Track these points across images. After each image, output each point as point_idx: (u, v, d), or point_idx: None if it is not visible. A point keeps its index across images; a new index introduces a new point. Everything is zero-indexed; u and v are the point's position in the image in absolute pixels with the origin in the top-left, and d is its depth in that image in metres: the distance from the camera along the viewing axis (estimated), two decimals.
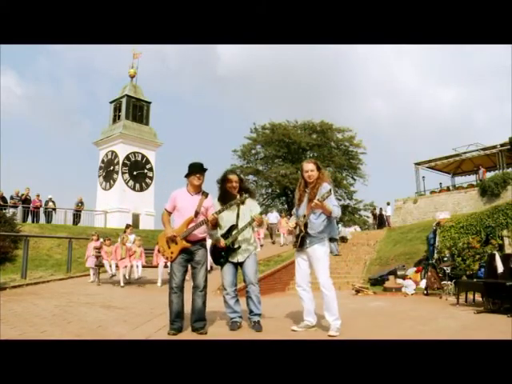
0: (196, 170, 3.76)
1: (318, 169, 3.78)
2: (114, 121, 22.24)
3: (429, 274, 8.62)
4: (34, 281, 8.44)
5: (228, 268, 3.97)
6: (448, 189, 20.88)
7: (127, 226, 10.89)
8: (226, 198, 3.96)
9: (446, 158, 21.35)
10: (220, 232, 3.97)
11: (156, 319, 4.41)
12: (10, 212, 14.45)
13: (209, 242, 4.13)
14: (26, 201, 16.19)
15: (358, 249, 13.58)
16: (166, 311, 3.82)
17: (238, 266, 4.00)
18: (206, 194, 3.83)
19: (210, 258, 4.15)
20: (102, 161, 21.83)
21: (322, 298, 3.69)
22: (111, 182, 21.07)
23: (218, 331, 3.84)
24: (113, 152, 21.33)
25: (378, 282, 9.49)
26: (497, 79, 67.41)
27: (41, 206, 16.67)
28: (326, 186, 3.64)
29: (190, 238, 3.72)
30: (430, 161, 21.88)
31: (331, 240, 3.78)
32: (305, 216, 3.70)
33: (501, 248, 8.59)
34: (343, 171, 30.86)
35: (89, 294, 7.13)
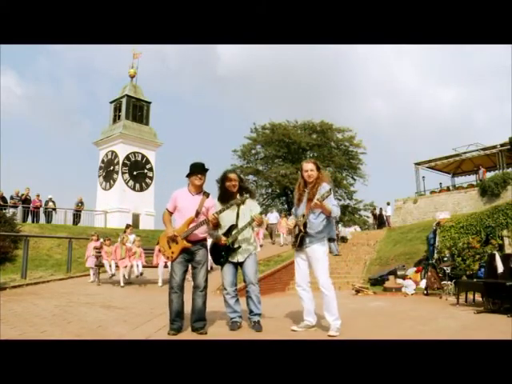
0: (197, 170, 3.76)
1: (318, 169, 3.79)
2: (114, 121, 22.24)
3: (429, 273, 8.62)
4: (34, 281, 8.44)
5: (228, 268, 3.97)
6: (448, 189, 20.88)
7: (127, 226, 10.89)
8: (225, 197, 3.96)
9: (446, 157, 21.35)
10: (220, 232, 3.97)
11: (156, 319, 4.41)
12: (10, 212, 14.45)
13: (209, 242, 4.13)
14: (25, 201, 16.18)
15: (358, 249, 13.59)
16: (166, 311, 3.82)
17: (238, 265, 4.01)
18: (207, 194, 3.83)
19: (210, 258, 4.15)
20: (102, 161, 21.83)
21: (321, 298, 3.69)
22: (111, 182, 21.07)
23: (217, 331, 3.84)
24: (113, 152, 21.33)
25: (377, 281, 9.49)
26: (497, 79, 67.47)
27: (41, 205, 16.67)
28: (325, 186, 3.65)
29: (191, 237, 3.72)
30: (430, 161, 21.88)
31: (329, 240, 3.79)
32: (304, 216, 3.70)
33: (501, 248, 8.59)
34: (343, 171, 30.86)
35: (89, 293, 7.13)
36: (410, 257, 10.98)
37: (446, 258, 9.06)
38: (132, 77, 22.60)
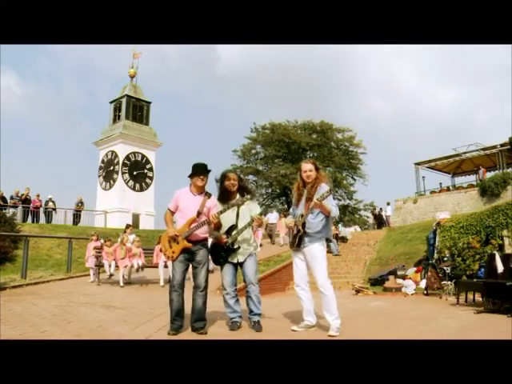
0: (200, 171, 3.76)
1: (317, 169, 3.80)
2: (114, 121, 22.24)
3: (429, 273, 8.62)
4: (34, 281, 8.44)
5: (228, 268, 3.97)
6: (448, 189, 20.88)
7: (127, 226, 10.89)
8: (224, 197, 3.96)
9: (446, 157, 21.35)
10: (220, 232, 3.97)
11: (156, 319, 4.41)
12: (10, 212, 14.45)
13: (209, 242, 4.13)
14: (26, 201, 16.18)
15: (358, 249, 13.59)
16: (167, 310, 3.82)
17: (238, 266, 4.01)
18: (208, 195, 3.84)
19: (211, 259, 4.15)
20: (102, 161, 21.83)
21: (320, 298, 3.69)
22: (111, 181, 21.07)
23: (217, 331, 3.84)
24: (113, 152, 21.33)
25: (378, 281, 9.49)
26: (497, 79, 67.50)
27: (41, 205, 16.67)
28: (324, 186, 3.66)
29: (192, 237, 3.72)
30: (430, 161, 21.87)
31: (326, 241, 3.81)
32: (302, 215, 3.71)
33: (501, 248, 8.59)
34: (343, 171, 30.86)
35: (89, 293, 7.13)
36: (410, 257, 10.98)
37: (446, 258, 9.06)
38: (132, 77, 22.60)
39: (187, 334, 3.65)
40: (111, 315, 4.72)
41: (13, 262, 10.49)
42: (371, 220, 23.33)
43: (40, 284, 8.31)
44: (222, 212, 3.77)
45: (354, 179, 31.14)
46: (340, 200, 30.17)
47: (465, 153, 20.73)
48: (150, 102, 23.08)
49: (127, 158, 21.05)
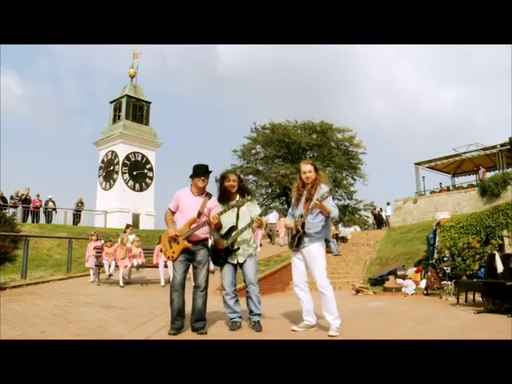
0: (201, 172, 3.76)
1: (316, 170, 3.80)
2: (114, 121, 22.24)
3: (429, 273, 8.62)
4: (34, 281, 8.44)
5: (227, 268, 3.96)
6: (448, 189, 20.88)
7: (127, 226, 10.89)
8: (224, 198, 3.96)
9: (446, 157, 21.35)
10: (219, 233, 3.97)
11: (156, 319, 4.41)
12: (10, 212, 14.45)
13: (210, 242, 4.13)
14: (25, 201, 16.18)
15: (358, 249, 13.59)
16: (167, 310, 3.82)
17: (238, 266, 4.00)
18: (209, 196, 3.84)
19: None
20: (102, 161, 21.83)
21: (320, 299, 3.70)
22: (111, 181, 21.06)
23: (217, 331, 3.84)
24: (113, 152, 21.33)
25: (378, 281, 9.48)
26: (497, 79, 67.50)
27: (41, 205, 16.67)
28: (324, 187, 3.68)
29: (192, 238, 3.72)
30: (430, 161, 21.88)
31: (325, 241, 3.82)
32: (302, 216, 3.71)
33: (501, 248, 8.59)
34: (343, 171, 30.88)
35: (89, 293, 7.13)
36: (410, 257, 10.98)
37: (446, 258, 9.06)
38: (132, 77, 22.59)
39: (187, 334, 3.65)
40: (111, 315, 4.72)
41: (13, 262, 10.49)
42: (371, 220, 23.33)
43: (40, 284, 8.30)
44: (222, 213, 3.77)
45: (354, 179, 31.19)
46: (340, 200, 30.22)
47: (465, 153, 20.73)
48: (150, 102, 23.09)
49: (127, 157, 21.05)
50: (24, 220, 15.31)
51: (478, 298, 6.27)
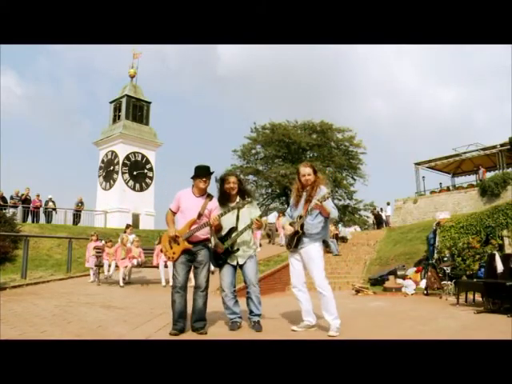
0: (202, 173, 3.75)
1: (315, 172, 3.81)
2: (114, 121, 22.23)
3: (429, 273, 8.62)
4: (34, 281, 8.44)
5: (227, 269, 3.96)
6: (448, 189, 20.88)
7: (127, 226, 10.89)
8: (224, 200, 3.96)
9: (446, 157, 21.35)
10: (220, 234, 3.97)
11: (156, 319, 4.41)
12: (10, 212, 14.44)
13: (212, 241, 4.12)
14: (26, 201, 16.18)
15: (358, 249, 13.58)
16: (167, 310, 3.82)
17: (238, 267, 4.00)
18: (210, 197, 3.84)
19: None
20: (102, 161, 21.82)
21: (319, 299, 3.70)
22: (111, 181, 21.06)
23: (218, 331, 3.84)
24: (113, 152, 21.32)
25: (378, 281, 9.49)
26: (497, 79, 67.52)
27: (41, 205, 16.66)
28: (323, 189, 3.70)
29: (193, 238, 3.72)
30: (430, 161, 21.88)
31: (323, 242, 3.82)
32: (301, 217, 3.71)
33: (501, 248, 8.59)
34: (343, 171, 30.86)
35: (89, 294, 7.13)
36: (410, 257, 10.98)
37: (446, 258, 9.06)
38: (132, 77, 22.58)
39: (187, 334, 3.65)
40: (111, 315, 4.72)
41: (13, 262, 10.49)
42: (371, 220, 23.33)
43: (40, 284, 8.30)
44: (222, 215, 3.77)
45: (354, 179, 31.16)
46: (340, 200, 30.20)
47: (465, 153, 20.74)
48: (150, 102, 23.08)
49: (127, 157, 21.04)
50: (24, 220, 15.31)
51: (478, 298, 6.26)
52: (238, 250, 3.91)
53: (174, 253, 3.74)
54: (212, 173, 3.81)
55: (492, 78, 70.39)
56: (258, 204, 4.29)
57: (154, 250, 9.38)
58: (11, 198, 16.08)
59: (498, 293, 5.40)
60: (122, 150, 20.98)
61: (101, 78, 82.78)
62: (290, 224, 3.81)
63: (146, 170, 21.64)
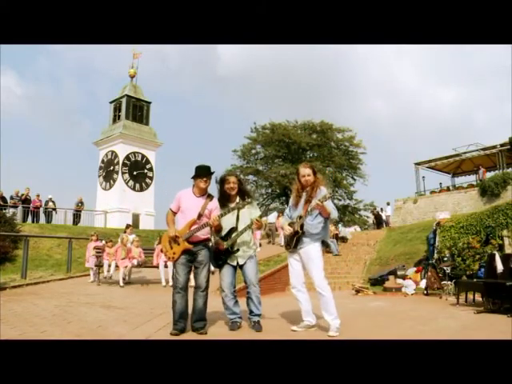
0: (203, 173, 3.75)
1: (314, 173, 3.81)
2: (114, 121, 22.23)
3: (429, 273, 8.62)
4: (34, 281, 8.44)
5: (227, 270, 3.96)
6: (448, 189, 20.88)
7: (127, 226, 10.89)
8: (224, 200, 3.97)
9: (446, 157, 21.35)
10: (220, 235, 3.97)
11: (156, 319, 4.41)
12: (10, 212, 14.44)
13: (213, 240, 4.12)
14: (26, 201, 16.18)
15: (358, 249, 13.59)
16: (167, 310, 3.82)
17: (238, 268, 4.00)
18: (211, 197, 3.83)
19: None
20: (102, 161, 21.83)
21: (318, 299, 3.70)
22: (111, 181, 21.06)
23: (218, 331, 3.84)
24: (113, 152, 21.33)
25: (378, 281, 9.49)
26: (497, 79, 67.53)
27: (41, 205, 16.66)
28: (323, 189, 3.70)
29: (193, 239, 3.72)
30: (430, 161, 21.88)
31: (322, 243, 3.82)
32: (301, 217, 3.71)
33: (501, 248, 8.59)
34: (343, 171, 30.84)
35: (89, 294, 7.13)
36: (410, 257, 10.98)
37: (446, 258, 9.06)
38: (132, 77, 22.58)
39: (187, 334, 3.65)
40: (111, 315, 4.72)
41: (13, 262, 10.49)
42: (371, 220, 23.32)
43: (40, 284, 8.30)
44: (222, 215, 3.77)
45: (354, 179, 31.14)
46: (340, 200, 30.19)
47: (465, 153, 20.73)
48: (150, 102, 23.08)
49: (127, 157, 21.05)
50: (24, 220, 15.31)
51: (478, 298, 6.27)
52: (237, 250, 3.91)
53: (174, 253, 3.73)
54: (213, 173, 3.81)
55: (492, 78, 70.47)
56: (257, 204, 4.29)
57: (153, 250, 9.38)
58: (11, 197, 16.08)
59: (498, 293, 5.40)
60: (122, 150, 20.98)
61: (101, 78, 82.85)
62: (289, 224, 3.81)
63: (146, 170, 21.64)
